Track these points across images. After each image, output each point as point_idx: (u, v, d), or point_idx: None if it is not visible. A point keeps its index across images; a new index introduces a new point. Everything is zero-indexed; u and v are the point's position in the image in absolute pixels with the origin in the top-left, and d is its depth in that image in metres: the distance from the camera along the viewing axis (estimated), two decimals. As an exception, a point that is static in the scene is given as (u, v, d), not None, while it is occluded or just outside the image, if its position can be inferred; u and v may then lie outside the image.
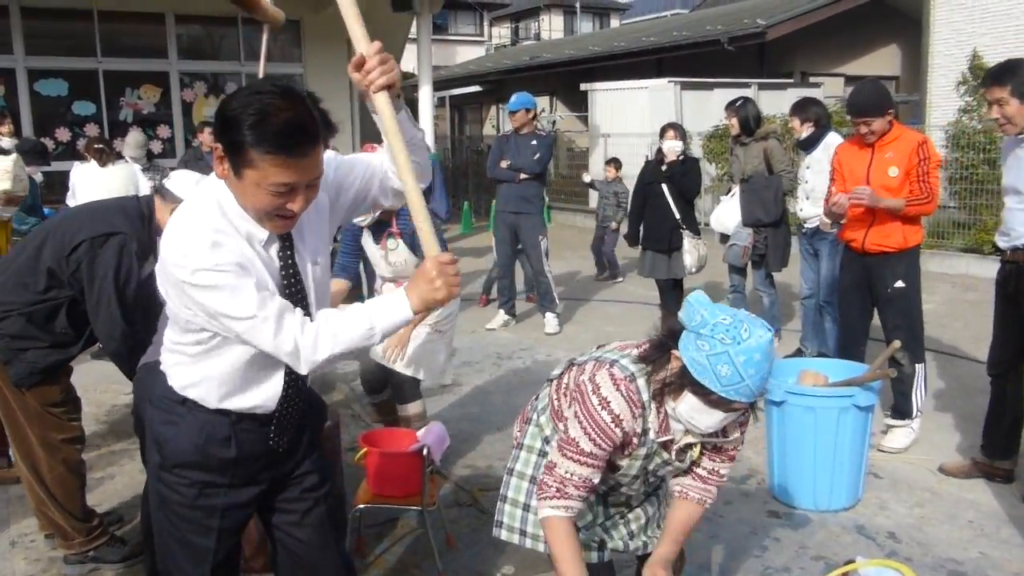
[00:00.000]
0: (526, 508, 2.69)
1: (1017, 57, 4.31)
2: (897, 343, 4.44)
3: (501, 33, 45.90)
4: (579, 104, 19.63)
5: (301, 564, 2.48)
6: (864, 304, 5.04)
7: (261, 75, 5.56)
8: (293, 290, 2.18)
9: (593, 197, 13.49)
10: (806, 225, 6.49)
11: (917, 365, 4.90)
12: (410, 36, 15.16)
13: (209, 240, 2.00)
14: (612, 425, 2.34)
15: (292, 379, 2.29)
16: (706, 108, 14.56)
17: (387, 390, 4.89)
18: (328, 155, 2.24)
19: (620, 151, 14.09)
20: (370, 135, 16.18)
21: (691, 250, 7.19)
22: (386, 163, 2.32)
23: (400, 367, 4.42)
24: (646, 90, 15.69)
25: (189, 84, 13.00)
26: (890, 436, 5.03)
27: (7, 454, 4.40)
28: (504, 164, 8.00)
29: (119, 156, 8.50)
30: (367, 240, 4.58)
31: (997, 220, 10.21)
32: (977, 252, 10.52)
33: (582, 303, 9.34)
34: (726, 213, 7.04)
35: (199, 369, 2.22)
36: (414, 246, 4.42)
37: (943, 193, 4.81)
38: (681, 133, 7.31)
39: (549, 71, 22.62)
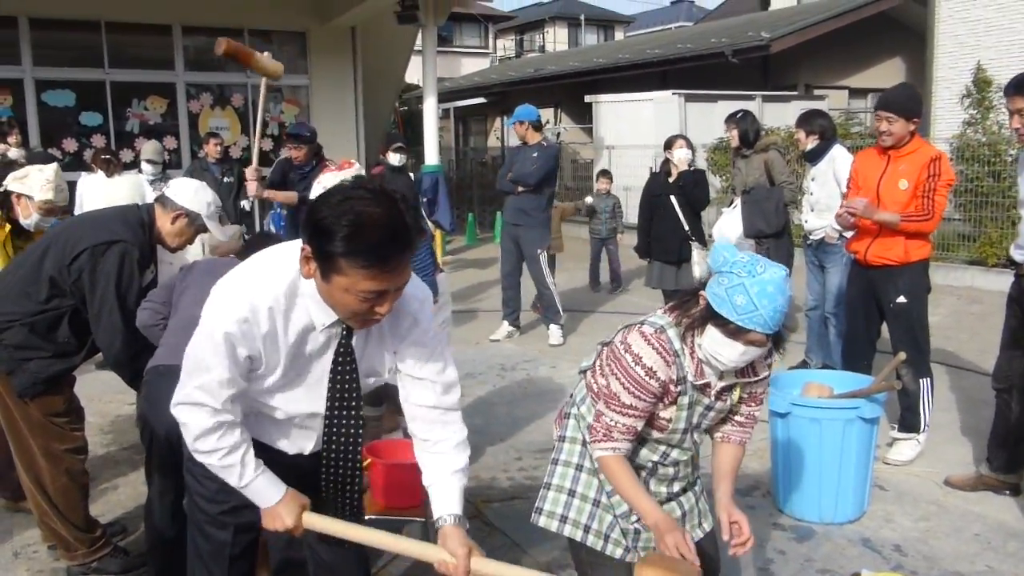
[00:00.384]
0: (571, 493, 2.77)
1: None
2: (902, 355, 4.44)
3: (506, 45, 46.06)
4: (583, 116, 19.66)
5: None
6: (869, 316, 5.02)
7: (258, 129, 5.64)
8: (343, 377, 2.25)
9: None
10: (811, 237, 6.49)
11: (922, 380, 4.88)
12: (415, 48, 15.19)
13: (246, 313, 2.08)
14: (647, 378, 2.50)
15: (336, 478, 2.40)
16: (710, 120, 14.57)
17: (384, 404, 4.87)
18: (426, 327, 2.32)
19: (624, 163, 14.14)
20: (373, 147, 16.24)
21: (700, 261, 7.20)
22: (424, 459, 2.42)
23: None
24: (651, 102, 15.72)
25: (195, 95, 13.03)
26: (896, 448, 5.02)
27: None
28: (509, 176, 8.04)
29: (126, 166, 8.53)
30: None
31: (1002, 232, 10.24)
32: (982, 264, 10.51)
33: (586, 315, 9.34)
34: (728, 225, 7.05)
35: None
36: None
37: (948, 206, 4.79)
38: (689, 143, 7.34)
39: (553, 83, 22.65)
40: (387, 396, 4.70)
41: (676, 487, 2.79)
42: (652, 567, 2.36)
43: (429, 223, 9.29)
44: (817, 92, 18.25)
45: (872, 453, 4.33)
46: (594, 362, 2.81)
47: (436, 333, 2.35)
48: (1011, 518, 4.28)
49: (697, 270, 7.22)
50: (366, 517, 3.59)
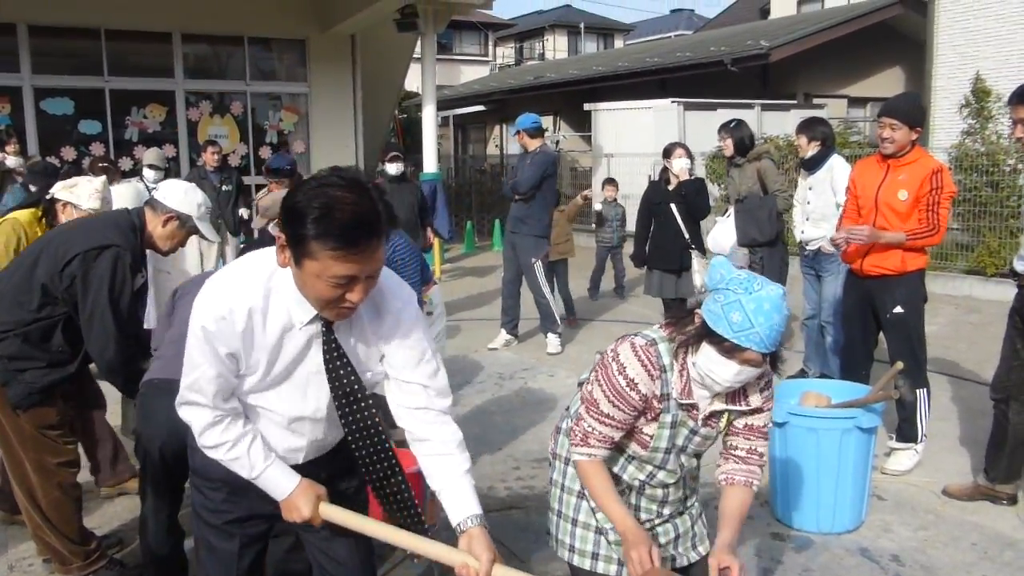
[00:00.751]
0: (559, 515, 2.80)
1: None
2: (899, 365, 4.43)
3: (505, 53, 46.14)
4: (583, 124, 19.68)
5: None
6: (866, 326, 5.02)
7: None
8: (339, 372, 2.23)
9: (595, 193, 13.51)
10: (808, 247, 6.49)
11: (919, 390, 4.88)
12: (415, 55, 15.22)
13: (224, 311, 2.11)
14: (628, 389, 2.48)
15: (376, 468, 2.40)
16: (709, 129, 14.46)
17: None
18: (417, 336, 2.32)
19: (623, 171, 14.14)
20: (372, 155, 16.27)
21: (700, 270, 7.20)
22: (428, 465, 2.42)
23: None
24: (650, 110, 15.75)
25: (195, 103, 13.05)
26: (894, 458, 5.01)
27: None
28: (509, 183, 8.12)
29: (125, 175, 8.53)
30: None
31: (1000, 242, 10.25)
32: (980, 274, 10.51)
33: (584, 323, 9.34)
34: (722, 234, 7.06)
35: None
36: None
37: (948, 215, 4.79)
38: (688, 151, 7.34)
39: (553, 91, 22.68)
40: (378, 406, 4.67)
41: (668, 509, 2.76)
42: None
43: (430, 232, 9.32)
44: (816, 101, 18.30)
45: (870, 463, 4.33)
46: (590, 373, 2.78)
47: (423, 336, 2.33)
48: (1008, 528, 4.28)
49: (697, 278, 7.22)
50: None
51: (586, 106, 17.51)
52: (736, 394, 2.55)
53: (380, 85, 15.27)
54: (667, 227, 7.23)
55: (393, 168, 8.56)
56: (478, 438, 5.67)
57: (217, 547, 2.47)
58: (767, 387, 2.60)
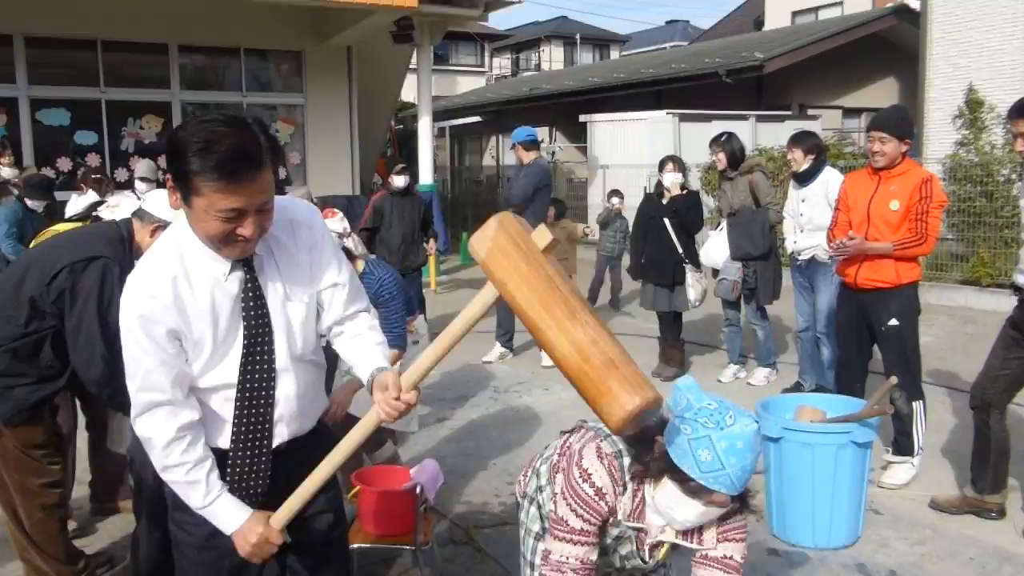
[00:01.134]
0: (523, 556, 2.70)
1: None
2: (894, 379, 4.42)
3: (501, 64, 46.19)
4: (578, 135, 19.70)
5: None
6: (861, 340, 5.02)
7: None
8: (258, 319, 2.20)
9: (593, 227, 13.49)
10: (800, 258, 6.48)
11: (915, 403, 4.87)
12: (411, 66, 15.24)
13: (150, 290, 2.10)
14: (596, 498, 2.30)
15: (250, 422, 2.28)
16: (704, 140, 14.47)
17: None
18: (342, 260, 2.35)
19: (619, 182, 14.12)
20: (368, 166, 16.26)
21: (694, 284, 7.20)
22: (345, 350, 2.38)
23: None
24: (645, 122, 15.76)
25: (191, 114, 13.03)
26: (890, 472, 5.00)
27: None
28: (503, 195, 8.12)
29: (120, 186, 8.52)
30: None
31: (995, 253, 10.26)
32: (975, 284, 10.52)
33: (580, 335, 9.28)
34: (715, 247, 7.05)
35: None
36: None
37: (941, 226, 4.78)
38: (680, 165, 7.33)
39: (549, 102, 22.71)
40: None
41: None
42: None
43: (432, 244, 9.31)
44: (811, 112, 18.34)
45: (866, 477, 4.31)
46: (572, 431, 2.66)
47: (335, 252, 2.36)
48: (1006, 541, 4.26)
49: (691, 292, 7.22)
50: (355, 546, 3.59)
51: (582, 117, 17.53)
52: (690, 531, 2.34)
53: (376, 96, 15.28)
54: (661, 241, 7.23)
55: (400, 180, 8.55)
56: (472, 452, 5.65)
57: None
58: (731, 520, 2.37)
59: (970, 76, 12.95)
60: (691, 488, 2.15)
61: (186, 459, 2.18)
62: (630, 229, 10.63)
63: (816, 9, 24.96)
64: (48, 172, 11.39)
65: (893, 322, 4.79)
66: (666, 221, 7.17)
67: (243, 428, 2.26)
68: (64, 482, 3.79)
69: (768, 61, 16.58)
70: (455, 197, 21.44)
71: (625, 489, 2.31)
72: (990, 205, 10.60)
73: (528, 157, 8.04)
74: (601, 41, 46.63)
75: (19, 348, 3.42)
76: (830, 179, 6.28)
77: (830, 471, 4.14)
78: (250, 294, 2.19)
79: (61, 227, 4.41)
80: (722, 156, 7.00)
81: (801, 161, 6.45)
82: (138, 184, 8.79)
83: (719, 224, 7.22)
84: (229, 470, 2.27)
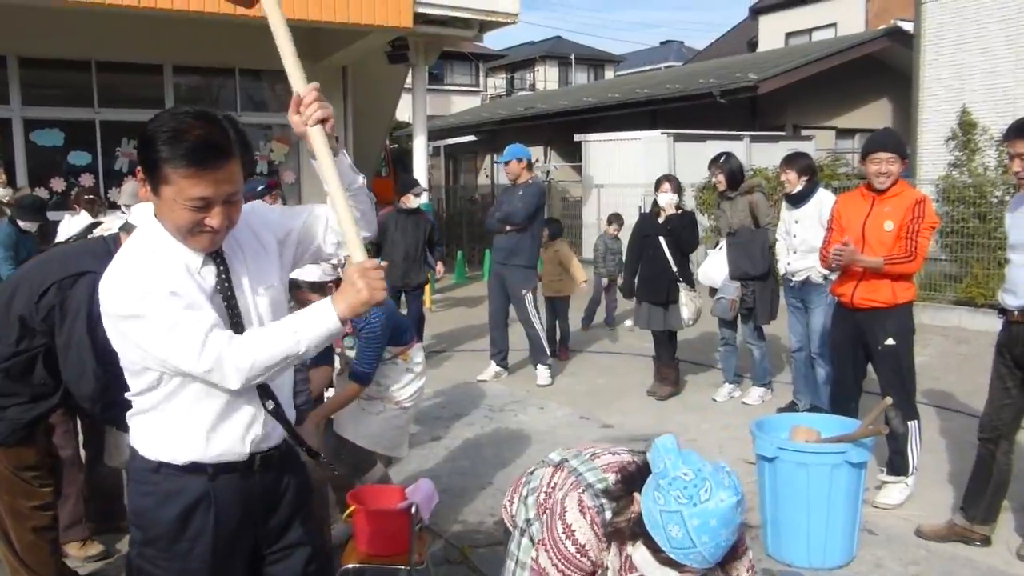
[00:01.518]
0: None
1: None
2: (888, 400, 4.42)
3: (496, 83, 46.34)
4: (573, 154, 19.76)
5: None
6: (856, 359, 5.02)
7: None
8: (231, 313, 2.20)
9: (588, 246, 13.52)
10: (793, 279, 6.49)
11: (910, 423, 4.87)
12: (406, 86, 15.29)
13: (135, 269, 2.08)
14: (577, 555, 2.26)
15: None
16: (699, 160, 14.56)
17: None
18: (275, 206, 2.30)
19: (613, 202, 14.17)
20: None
21: (688, 303, 7.20)
22: (330, 212, 2.35)
23: (363, 442, 4.34)
24: (639, 141, 15.82)
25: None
26: (884, 492, 4.99)
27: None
28: (497, 215, 8.05)
29: (112, 206, 8.51)
30: None
31: (988, 273, 10.29)
32: (969, 305, 10.55)
33: (574, 354, 9.32)
34: (713, 267, 7.07)
35: (162, 422, 2.20)
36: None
37: (934, 246, 4.80)
38: (676, 185, 7.35)
39: (543, 121, 22.80)
40: (344, 459, 4.55)
41: None
42: None
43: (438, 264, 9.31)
44: (805, 132, 18.42)
45: (860, 497, 4.31)
46: (558, 465, 2.60)
47: (281, 210, 2.42)
48: (1000, 562, 4.25)
49: (685, 311, 7.23)
50: (350, 566, 3.57)
51: (576, 137, 17.59)
52: None
53: (371, 116, 15.32)
54: (656, 260, 7.25)
55: (415, 202, 8.57)
56: (467, 471, 5.64)
57: None
58: (737, 552, 2.26)
59: (963, 98, 13.03)
60: (663, 559, 2.08)
61: (247, 334, 2.11)
62: (623, 250, 10.72)
63: (810, 31, 25.16)
64: (42, 192, 11.39)
65: (889, 342, 4.80)
66: (661, 240, 7.19)
67: (231, 432, 2.23)
68: (55, 504, 3.75)
69: (762, 82, 16.69)
70: (450, 216, 21.48)
71: (609, 545, 2.26)
72: (983, 226, 10.64)
73: (527, 175, 8.06)
74: (596, 61, 46.82)
75: (11, 368, 3.40)
76: (823, 201, 6.29)
77: (825, 491, 4.14)
78: (228, 292, 2.19)
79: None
80: (721, 177, 7.03)
81: (795, 183, 6.46)
82: (124, 210, 8.76)
83: (717, 243, 7.24)
84: (214, 480, 2.22)
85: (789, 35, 25.70)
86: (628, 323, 9.89)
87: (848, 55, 18.18)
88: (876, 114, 19.46)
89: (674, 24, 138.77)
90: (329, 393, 4.50)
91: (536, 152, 22.54)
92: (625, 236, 9.00)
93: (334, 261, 3.77)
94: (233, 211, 2.12)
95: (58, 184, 12.12)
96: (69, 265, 3.41)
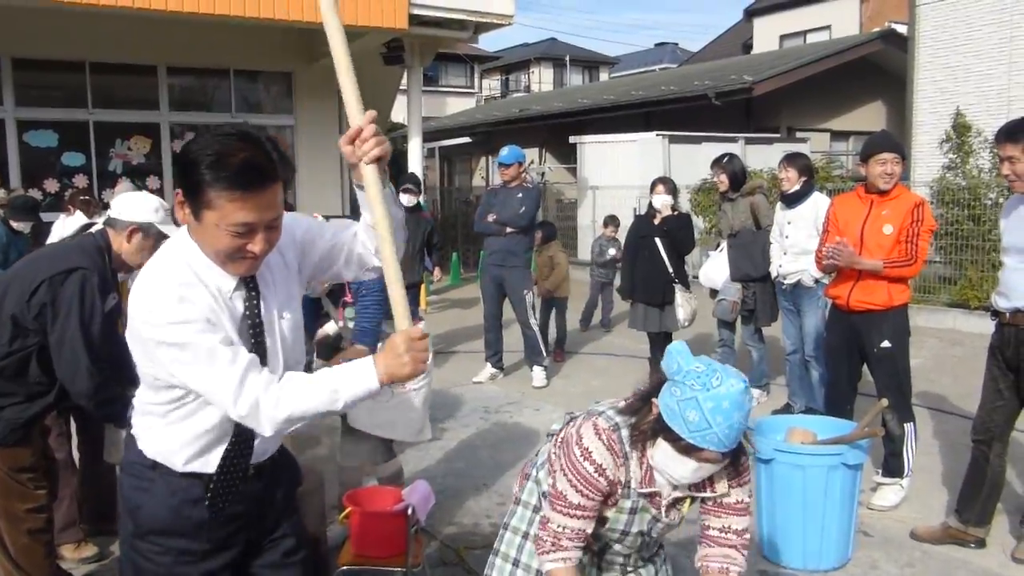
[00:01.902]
0: (515, 563, 2.69)
1: None
2: (884, 401, 4.43)
3: (491, 85, 46.37)
4: (568, 156, 19.77)
5: None
6: (851, 362, 5.02)
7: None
8: (256, 340, 2.17)
9: (583, 248, 13.53)
10: (785, 281, 6.49)
11: (906, 425, 4.87)
12: (401, 87, 15.29)
13: (176, 294, 2.01)
14: (596, 475, 2.35)
15: (238, 439, 2.23)
16: (694, 161, 14.67)
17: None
18: (297, 216, 2.30)
19: (609, 203, 14.20)
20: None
21: (684, 304, 7.21)
22: (360, 236, 2.32)
23: (379, 431, 4.29)
24: (635, 143, 15.82)
25: (179, 135, 13.04)
26: (879, 494, 4.99)
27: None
28: (491, 217, 8.01)
29: (106, 207, 8.47)
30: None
31: (982, 275, 10.31)
32: (963, 307, 10.57)
33: (570, 356, 9.32)
34: (714, 268, 7.07)
35: (168, 431, 2.19)
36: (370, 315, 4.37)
37: (929, 249, 4.79)
38: (671, 187, 7.35)
39: (538, 123, 22.80)
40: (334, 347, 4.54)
41: (629, 569, 2.70)
42: None
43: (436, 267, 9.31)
44: (799, 134, 18.45)
45: (856, 499, 4.31)
46: (561, 428, 2.68)
47: (309, 222, 2.35)
48: (995, 564, 4.26)
49: (681, 312, 7.23)
50: (343, 569, 3.56)
51: (572, 138, 17.59)
52: (701, 481, 2.42)
53: (366, 117, 15.29)
54: (652, 261, 7.25)
55: (405, 199, 8.56)
56: (463, 473, 5.63)
57: None
58: (740, 467, 2.46)
59: (957, 100, 13.07)
60: (682, 447, 2.24)
61: (286, 383, 2.06)
62: (619, 253, 10.73)
63: (804, 33, 25.20)
64: (35, 194, 11.37)
65: (885, 344, 4.80)
66: (657, 241, 7.20)
67: (231, 447, 2.22)
68: (50, 507, 3.74)
69: (757, 84, 16.69)
70: (445, 218, 21.45)
71: (627, 460, 2.38)
72: (977, 229, 10.66)
73: (519, 178, 8.05)
74: (590, 63, 46.88)
75: (5, 368, 3.39)
76: (819, 203, 6.27)
77: (821, 493, 4.14)
78: (256, 318, 2.16)
79: None
80: (724, 177, 7.03)
81: (794, 181, 6.44)
82: None
83: (718, 245, 7.25)
84: (212, 491, 2.22)
85: (783, 37, 25.73)
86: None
87: (843, 57, 18.21)
88: (870, 116, 19.50)
89: (669, 26, 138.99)
90: None
91: (531, 154, 22.55)
92: (621, 237, 9.03)
93: None
94: (274, 236, 2.09)
95: (52, 185, 12.09)
96: (58, 262, 3.40)
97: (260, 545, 2.39)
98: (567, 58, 44.84)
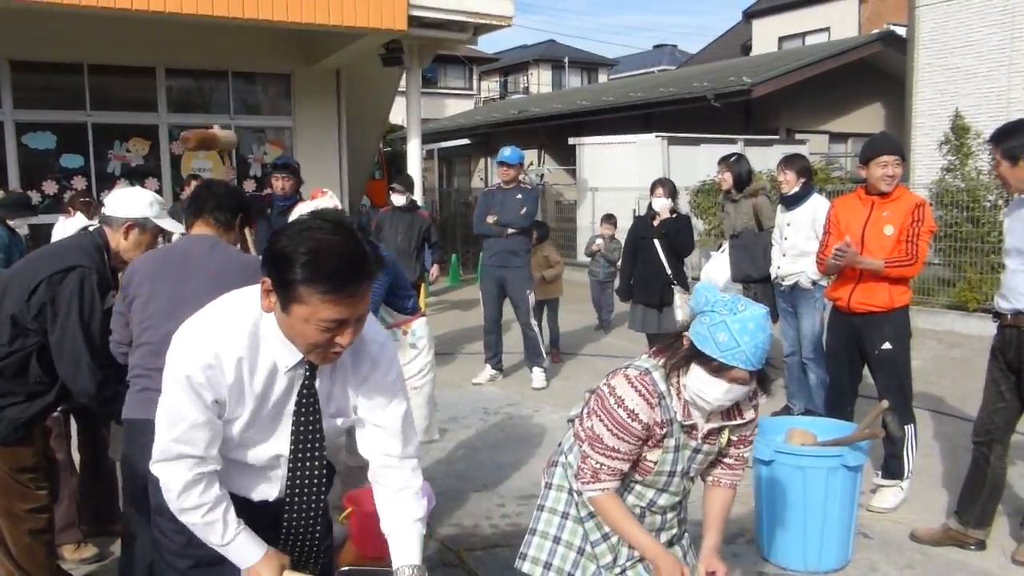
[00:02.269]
0: (556, 540, 2.81)
1: (1017, 120, 4.30)
2: (885, 403, 4.42)
3: (490, 86, 46.36)
4: (567, 158, 19.78)
5: None
6: (852, 364, 5.02)
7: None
8: (306, 418, 2.20)
9: (583, 250, 13.50)
10: (783, 283, 6.49)
11: (907, 427, 4.87)
12: (400, 89, 15.28)
13: (212, 354, 2.06)
14: (629, 420, 2.54)
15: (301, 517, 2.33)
16: (693, 163, 14.69)
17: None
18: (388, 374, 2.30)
19: (608, 205, 14.19)
20: (356, 188, 16.26)
21: (682, 305, 7.20)
22: (364, 447, 2.36)
23: None
24: (634, 145, 15.82)
25: (178, 137, 12.99)
26: (879, 496, 4.99)
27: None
28: (491, 219, 8.00)
29: (106, 208, 8.45)
30: None
31: (981, 277, 10.31)
32: (962, 309, 10.56)
33: (569, 357, 9.32)
34: (716, 269, 7.08)
35: None
36: None
37: (928, 250, 4.79)
38: (670, 190, 7.35)
39: (537, 125, 22.80)
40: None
41: (664, 536, 2.78)
42: None
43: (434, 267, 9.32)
44: (798, 136, 18.46)
45: (856, 501, 4.31)
46: (582, 409, 2.81)
47: (397, 379, 2.33)
48: (995, 566, 4.26)
49: (679, 314, 7.23)
50: (344, 569, 3.55)
51: (571, 140, 17.59)
52: (731, 410, 2.64)
53: (365, 119, 15.30)
54: (650, 262, 7.26)
55: (397, 199, 8.57)
56: (462, 475, 5.63)
57: None
58: (754, 396, 2.69)
59: (956, 102, 13.06)
60: (714, 368, 2.44)
61: (203, 501, 2.16)
62: (615, 254, 10.74)
63: (803, 35, 25.21)
64: (34, 195, 11.36)
65: (887, 346, 4.80)
66: (656, 242, 7.20)
67: (292, 529, 2.31)
68: (51, 507, 3.74)
69: (756, 86, 16.69)
70: (444, 219, 21.46)
71: (662, 399, 2.57)
72: (976, 231, 10.66)
73: (517, 179, 8.06)
74: (589, 65, 46.88)
75: (6, 367, 3.38)
76: (818, 206, 6.25)
77: (821, 494, 4.14)
78: (306, 399, 2.19)
79: None
80: (728, 176, 7.03)
81: (793, 183, 6.43)
82: None
83: (720, 245, 7.25)
84: (283, 540, 2.30)
85: (782, 39, 25.74)
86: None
87: (841, 59, 18.20)
88: (869, 118, 19.51)
89: (667, 28, 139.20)
90: None
91: (530, 155, 22.57)
92: (620, 237, 9.02)
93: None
94: (360, 327, 2.08)
95: (50, 187, 12.05)
96: (57, 261, 3.39)
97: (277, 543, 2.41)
98: (566, 60, 44.82)
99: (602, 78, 44.44)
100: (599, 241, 10.83)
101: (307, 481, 2.28)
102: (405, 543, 2.31)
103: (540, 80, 44.55)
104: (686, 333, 2.56)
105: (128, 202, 3.59)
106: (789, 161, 6.55)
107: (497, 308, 8.19)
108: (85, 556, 4.29)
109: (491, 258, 8.12)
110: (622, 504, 2.66)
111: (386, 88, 15.66)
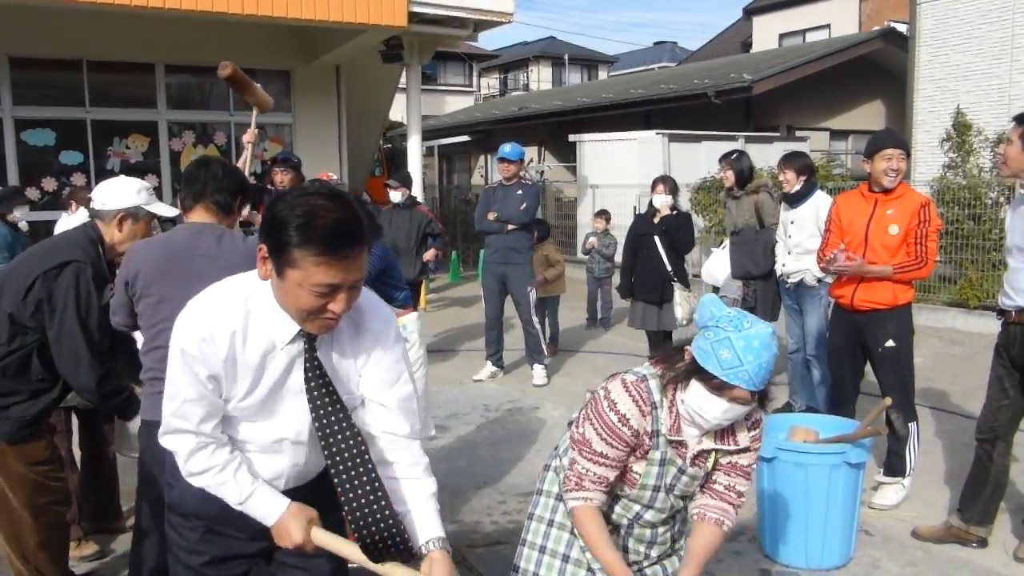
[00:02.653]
0: (542, 550, 2.79)
1: None
2: (888, 400, 4.41)
3: (490, 83, 46.33)
4: (567, 154, 19.77)
5: None
6: (855, 361, 5.01)
7: (247, 167, 5.43)
8: (325, 399, 2.16)
9: (580, 246, 13.49)
10: (788, 280, 6.47)
11: (910, 424, 4.86)
12: (400, 86, 15.26)
13: (207, 330, 2.09)
14: (620, 424, 2.48)
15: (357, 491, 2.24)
16: (694, 160, 14.68)
17: None
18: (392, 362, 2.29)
19: (608, 202, 14.18)
20: (357, 183, 16.22)
21: (682, 302, 7.19)
22: (368, 428, 2.31)
23: None
24: (635, 141, 15.81)
25: (178, 133, 13.00)
26: (880, 493, 4.98)
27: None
28: (491, 215, 7.99)
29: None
30: None
31: (982, 275, 10.29)
32: (963, 306, 10.55)
33: (570, 354, 9.31)
34: (716, 265, 7.07)
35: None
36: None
37: (936, 250, 4.80)
38: (671, 187, 7.33)
39: (537, 121, 22.79)
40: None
41: (656, 551, 2.75)
42: None
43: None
44: (799, 133, 18.45)
45: (858, 498, 4.30)
46: (579, 412, 2.78)
47: (401, 357, 2.31)
48: (997, 564, 4.25)
49: (679, 311, 7.21)
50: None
51: (572, 137, 17.59)
52: (724, 433, 2.54)
53: (365, 115, 15.28)
54: (650, 259, 7.24)
55: (395, 196, 8.54)
56: (463, 471, 5.61)
57: None
58: (755, 427, 2.59)
59: (957, 99, 13.06)
60: (714, 385, 2.35)
61: (212, 463, 2.18)
62: (617, 247, 10.72)
63: (803, 32, 25.19)
64: (33, 192, 11.35)
65: (890, 344, 4.78)
66: (656, 239, 7.18)
67: (350, 500, 2.20)
68: (70, 500, 3.75)
69: (756, 83, 16.68)
70: (444, 216, 21.44)
71: (654, 409, 2.51)
72: (978, 228, 10.64)
73: (518, 176, 8.05)
74: (589, 61, 46.83)
75: (6, 367, 3.37)
76: (820, 204, 6.23)
77: (823, 491, 4.13)
78: (313, 372, 2.17)
79: None
80: (730, 173, 7.01)
81: (793, 182, 6.41)
82: None
83: (722, 242, 7.23)
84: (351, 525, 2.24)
85: (783, 36, 25.74)
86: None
87: (842, 56, 18.20)
88: (870, 115, 19.50)
89: (667, 25, 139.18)
90: None
91: (530, 152, 22.56)
92: (619, 235, 9.01)
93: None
94: (355, 295, 2.09)
95: (50, 184, 12.04)
96: (51, 257, 3.37)
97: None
98: (566, 57, 44.77)
99: (602, 75, 44.43)
100: (592, 239, 10.82)
101: (346, 454, 2.19)
102: (427, 518, 2.25)
103: (540, 77, 44.52)
104: (688, 347, 2.47)
105: (117, 193, 3.55)
106: (788, 160, 6.53)
107: (498, 305, 8.18)
108: (86, 553, 4.28)
109: (493, 255, 8.11)
110: (598, 519, 2.58)
111: (386, 85, 15.64)
